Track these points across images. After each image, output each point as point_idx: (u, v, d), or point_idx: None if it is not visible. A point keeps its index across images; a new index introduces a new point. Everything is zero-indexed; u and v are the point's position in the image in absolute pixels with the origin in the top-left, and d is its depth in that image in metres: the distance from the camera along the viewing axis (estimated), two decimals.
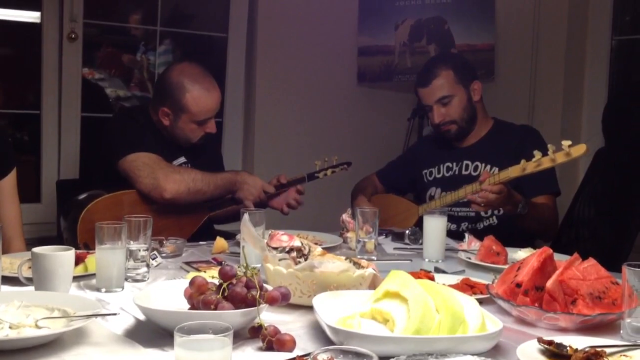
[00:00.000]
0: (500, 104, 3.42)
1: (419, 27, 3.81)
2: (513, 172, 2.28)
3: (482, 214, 2.68)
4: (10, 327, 1.26)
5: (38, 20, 3.26)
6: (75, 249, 1.67)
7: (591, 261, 1.60)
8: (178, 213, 2.50)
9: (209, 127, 2.62)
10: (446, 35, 3.75)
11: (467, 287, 1.70)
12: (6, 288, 1.64)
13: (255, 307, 1.32)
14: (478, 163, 2.71)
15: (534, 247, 2.12)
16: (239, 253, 1.92)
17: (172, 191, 2.43)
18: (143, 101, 3.69)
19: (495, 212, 2.66)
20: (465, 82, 2.74)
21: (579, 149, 2.14)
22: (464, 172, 2.74)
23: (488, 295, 1.61)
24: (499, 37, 3.74)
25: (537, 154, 2.19)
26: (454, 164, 2.79)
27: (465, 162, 2.75)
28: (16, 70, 3.46)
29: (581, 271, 1.55)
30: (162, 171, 2.45)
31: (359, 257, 2.06)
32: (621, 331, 1.41)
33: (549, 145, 2.17)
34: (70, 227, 2.41)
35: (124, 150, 2.49)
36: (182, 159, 2.67)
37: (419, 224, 2.57)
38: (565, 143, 2.14)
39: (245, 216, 1.77)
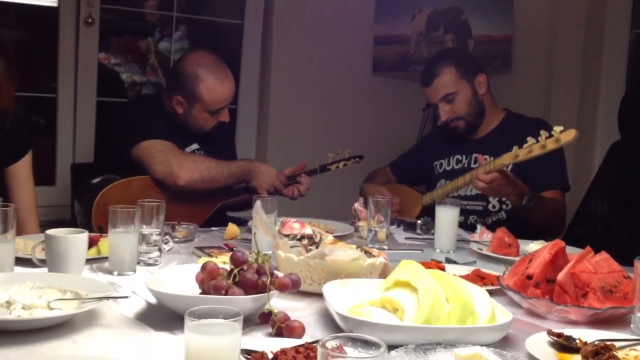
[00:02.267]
0: (517, 95, 3.40)
1: (436, 17, 3.79)
2: (506, 159, 2.27)
3: (491, 208, 2.68)
4: (22, 308, 1.28)
5: (55, 5, 3.27)
6: (90, 232, 1.68)
7: (603, 255, 1.59)
8: (191, 200, 2.51)
9: (222, 116, 2.63)
10: (463, 25, 3.73)
11: (477, 278, 1.70)
12: (20, 269, 1.66)
13: (266, 294, 1.32)
14: (488, 156, 2.70)
15: (546, 240, 2.12)
16: (251, 239, 1.93)
17: (186, 178, 2.44)
18: (158, 87, 3.70)
19: (504, 206, 2.65)
20: (468, 77, 2.72)
21: (568, 135, 2.12)
22: (473, 165, 2.72)
23: (499, 287, 1.61)
24: (516, 29, 3.70)
25: (531, 140, 2.18)
26: (464, 156, 2.78)
27: (474, 155, 2.73)
28: (33, 54, 3.48)
29: (593, 264, 1.55)
30: (176, 158, 2.46)
31: (370, 246, 2.06)
32: (631, 325, 1.41)
33: (541, 132, 2.16)
34: (85, 211, 2.43)
35: (138, 137, 2.50)
36: (195, 146, 2.68)
37: (425, 213, 2.58)
38: (557, 129, 2.12)
39: (257, 203, 1.77)
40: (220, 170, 2.51)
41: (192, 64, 2.57)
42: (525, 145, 2.20)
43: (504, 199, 2.63)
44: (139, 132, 2.52)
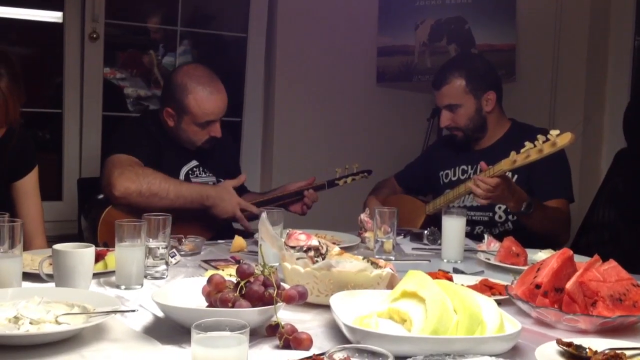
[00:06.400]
0: (521, 104, 3.40)
1: (439, 27, 3.79)
2: (504, 165, 2.27)
3: (497, 219, 2.67)
4: (30, 323, 1.28)
5: (60, 20, 3.29)
6: (95, 247, 1.68)
7: (612, 263, 1.58)
8: (197, 216, 2.49)
9: (213, 130, 2.58)
10: (466, 35, 3.74)
11: (485, 288, 1.69)
12: (27, 284, 1.66)
13: (273, 306, 1.32)
14: (491, 166, 2.69)
15: (554, 249, 2.11)
16: (257, 252, 1.92)
17: (122, 189, 2.36)
18: None
19: (510, 217, 2.64)
20: (477, 92, 2.69)
21: (564, 138, 2.12)
22: None
23: (507, 297, 1.60)
24: (520, 38, 3.71)
25: (528, 145, 2.19)
26: (469, 166, 2.77)
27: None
28: (39, 69, 3.50)
29: (601, 273, 1.54)
30: (121, 169, 2.39)
31: (376, 257, 2.05)
32: None
33: (538, 136, 2.17)
34: (91, 225, 2.43)
35: (112, 150, 2.49)
36: (194, 162, 2.65)
37: (429, 222, 2.57)
38: (554, 132, 2.13)
39: (263, 215, 1.77)
40: (165, 188, 2.40)
41: (183, 76, 2.55)
42: (522, 150, 2.21)
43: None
44: (116, 145, 2.50)
